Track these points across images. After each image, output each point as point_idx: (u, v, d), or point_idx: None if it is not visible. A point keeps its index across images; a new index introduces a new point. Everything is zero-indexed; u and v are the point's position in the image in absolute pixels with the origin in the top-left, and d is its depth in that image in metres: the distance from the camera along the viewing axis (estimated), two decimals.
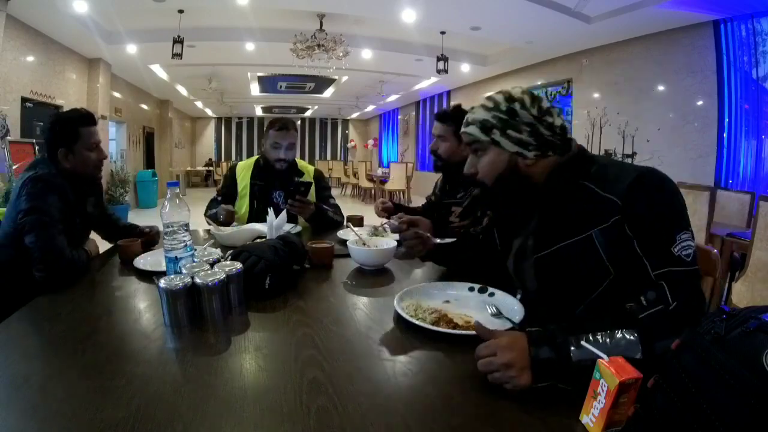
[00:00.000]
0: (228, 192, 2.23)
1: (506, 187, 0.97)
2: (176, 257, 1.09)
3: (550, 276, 0.97)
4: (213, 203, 2.18)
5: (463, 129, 1.00)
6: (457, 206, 1.81)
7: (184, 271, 1.00)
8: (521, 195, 0.99)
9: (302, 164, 2.35)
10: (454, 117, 1.81)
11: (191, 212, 1.13)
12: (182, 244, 1.09)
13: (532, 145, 0.92)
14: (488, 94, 1.00)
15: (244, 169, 2.27)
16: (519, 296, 1.07)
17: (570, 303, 0.94)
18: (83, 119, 1.50)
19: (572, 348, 0.70)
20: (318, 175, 2.35)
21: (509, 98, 0.94)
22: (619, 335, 0.72)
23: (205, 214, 2.01)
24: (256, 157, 2.32)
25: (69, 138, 1.46)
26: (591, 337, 0.71)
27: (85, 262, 1.39)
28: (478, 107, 0.97)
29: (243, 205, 2.20)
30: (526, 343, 0.71)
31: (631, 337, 0.72)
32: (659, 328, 0.73)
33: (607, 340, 0.71)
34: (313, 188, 2.28)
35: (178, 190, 1.11)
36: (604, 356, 0.61)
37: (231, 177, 2.28)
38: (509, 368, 0.68)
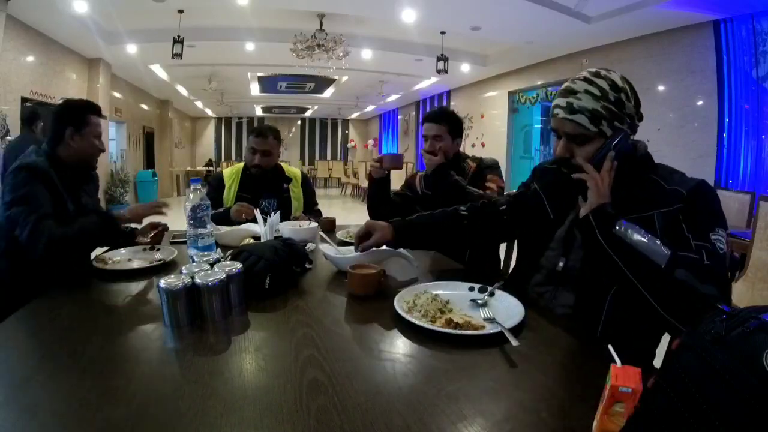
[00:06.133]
0: (214, 199, 2.06)
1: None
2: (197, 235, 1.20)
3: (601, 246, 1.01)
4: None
5: (566, 115, 0.99)
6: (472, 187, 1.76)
7: (184, 271, 1.00)
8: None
9: (289, 170, 2.33)
10: (446, 117, 1.91)
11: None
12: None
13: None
14: (586, 74, 1.00)
15: (231, 177, 2.22)
16: (561, 265, 1.11)
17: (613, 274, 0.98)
18: (93, 108, 1.54)
19: (620, 228, 0.92)
20: (305, 180, 2.39)
21: (614, 86, 0.98)
22: (659, 243, 0.89)
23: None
24: (243, 163, 2.27)
25: (78, 122, 1.48)
26: (638, 229, 0.92)
27: (95, 226, 1.41)
28: (584, 93, 0.98)
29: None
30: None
31: (666, 251, 0.88)
32: (689, 264, 0.88)
33: (652, 239, 0.90)
34: (300, 191, 2.31)
35: (200, 186, 1.24)
36: (616, 360, 0.61)
37: (218, 185, 2.22)
38: (599, 187, 0.95)
